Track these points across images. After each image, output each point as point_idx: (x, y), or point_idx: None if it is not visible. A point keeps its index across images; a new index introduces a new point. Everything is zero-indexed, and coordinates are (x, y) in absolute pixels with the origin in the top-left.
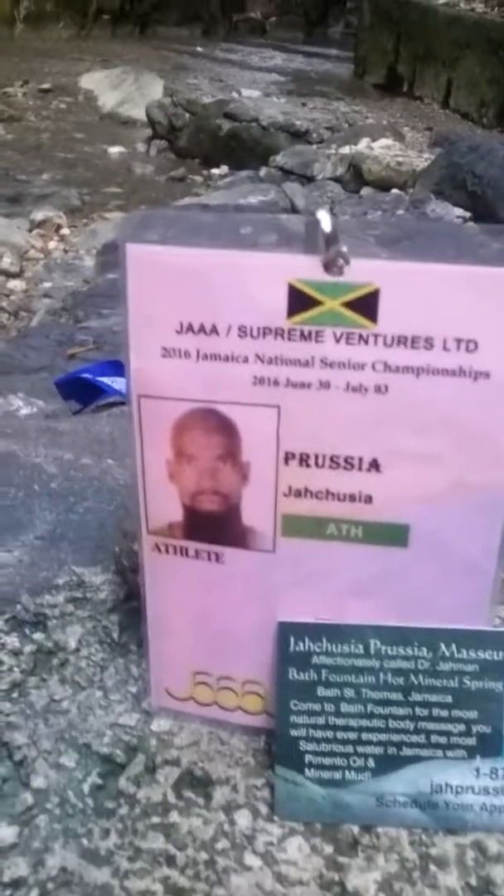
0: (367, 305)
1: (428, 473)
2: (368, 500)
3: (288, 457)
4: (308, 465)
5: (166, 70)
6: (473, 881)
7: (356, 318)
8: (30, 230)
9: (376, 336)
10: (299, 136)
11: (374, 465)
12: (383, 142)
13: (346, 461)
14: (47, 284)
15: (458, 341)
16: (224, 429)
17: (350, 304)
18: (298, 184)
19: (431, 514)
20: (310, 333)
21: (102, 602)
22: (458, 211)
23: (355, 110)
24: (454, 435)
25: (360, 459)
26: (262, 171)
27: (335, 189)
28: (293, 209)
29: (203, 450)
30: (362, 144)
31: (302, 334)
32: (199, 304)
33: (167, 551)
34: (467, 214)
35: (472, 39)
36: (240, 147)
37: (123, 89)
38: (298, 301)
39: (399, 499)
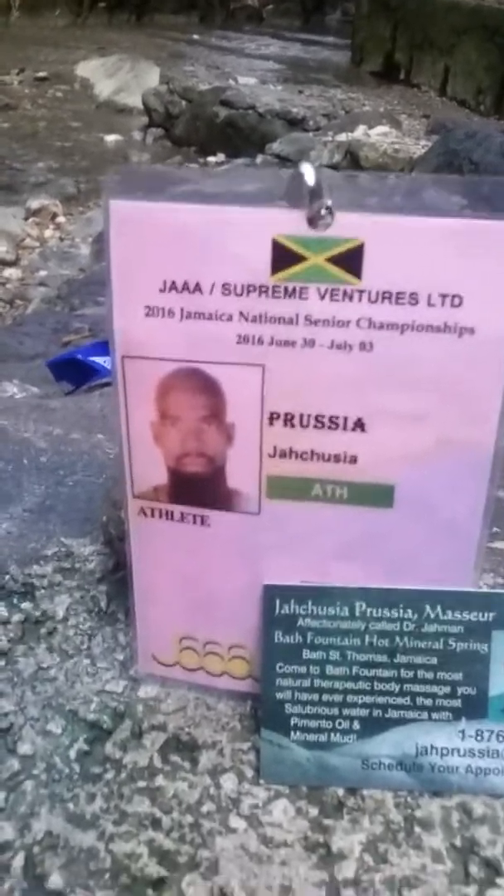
0: (351, 261)
1: (413, 432)
2: (353, 460)
3: (273, 417)
4: (293, 426)
5: (163, 58)
6: (458, 842)
7: (341, 273)
8: (25, 218)
9: (361, 292)
10: (296, 123)
11: (359, 425)
12: (380, 129)
13: (331, 421)
14: (43, 273)
15: (443, 297)
16: (208, 389)
17: (334, 260)
18: None
19: (416, 474)
20: (294, 290)
21: (91, 572)
22: (455, 198)
23: (352, 98)
24: (439, 393)
25: (345, 419)
26: (259, 159)
27: None
28: None
29: (188, 410)
30: (359, 132)
31: (286, 291)
32: (183, 261)
33: (153, 515)
34: (464, 202)
35: (469, 26)
36: (236, 135)
37: (120, 77)
38: (282, 257)
39: (384, 459)
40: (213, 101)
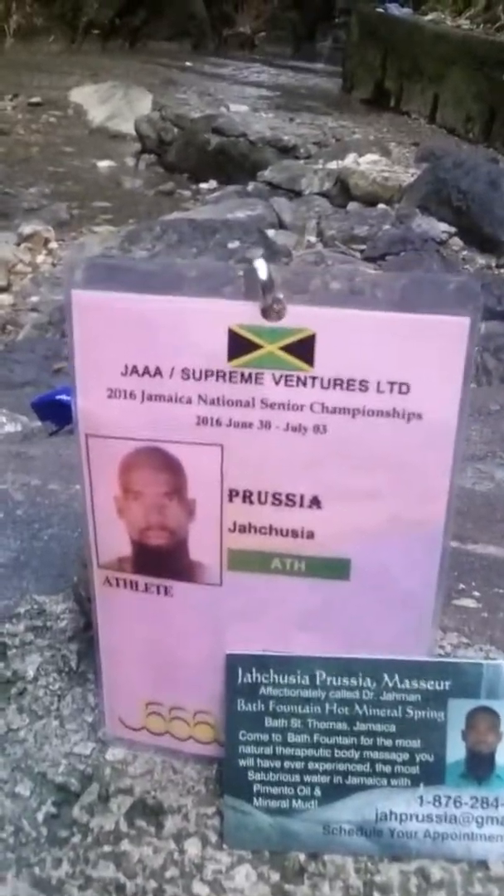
0: (303, 349)
1: (367, 510)
2: (311, 535)
3: (232, 494)
4: (252, 502)
5: (155, 84)
6: None
7: (294, 361)
8: (17, 244)
9: (314, 378)
10: (287, 151)
11: (315, 502)
12: (370, 157)
13: (287, 498)
14: (35, 298)
15: (391, 384)
16: (170, 467)
17: (288, 348)
18: (286, 199)
19: (371, 548)
20: (250, 375)
21: (62, 631)
22: (443, 226)
23: (342, 125)
24: (391, 473)
25: (302, 496)
26: (250, 186)
27: (322, 204)
28: (280, 224)
29: (150, 487)
30: (349, 159)
31: (242, 376)
32: (144, 347)
33: (118, 585)
34: (452, 229)
35: (458, 56)
36: (228, 162)
37: (113, 103)
38: (238, 345)
39: (340, 534)
40: (204, 128)
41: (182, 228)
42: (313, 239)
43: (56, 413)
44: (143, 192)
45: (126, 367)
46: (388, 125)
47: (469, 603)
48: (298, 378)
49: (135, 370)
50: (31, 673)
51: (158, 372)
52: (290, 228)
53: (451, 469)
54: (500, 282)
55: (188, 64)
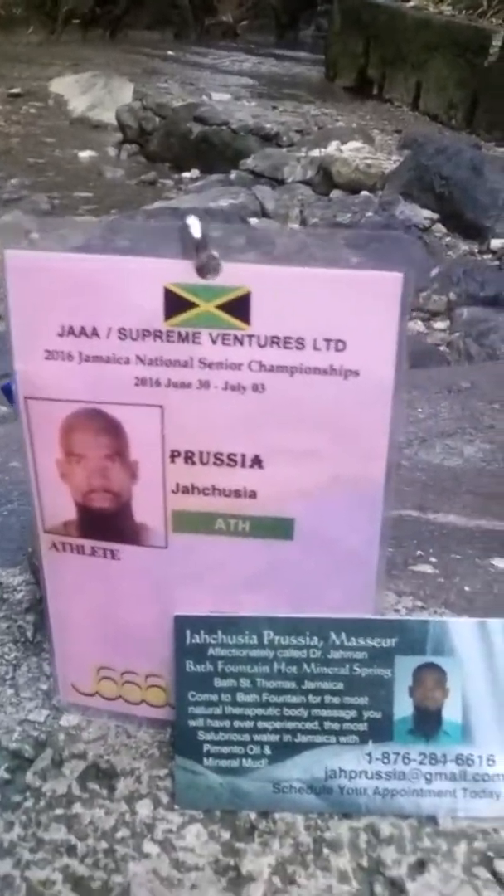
0: (239, 307)
1: (308, 469)
2: (253, 495)
3: (174, 455)
4: (194, 463)
5: (137, 74)
6: (365, 863)
7: (230, 319)
8: None
9: (250, 337)
10: (269, 139)
11: (257, 462)
12: (353, 144)
13: (229, 458)
14: None
15: (328, 341)
16: (110, 429)
17: (224, 307)
18: (268, 187)
19: (313, 508)
20: (187, 335)
21: (18, 602)
22: (426, 213)
23: (325, 113)
24: (329, 431)
25: (243, 456)
26: (233, 175)
27: (305, 192)
28: (263, 212)
29: (91, 449)
30: (332, 147)
31: (179, 335)
32: (80, 307)
33: (64, 549)
34: (435, 216)
35: (441, 42)
36: (210, 150)
37: (94, 93)
38: (174, 304)
39: (282, 494)
40: (186, 117)
41: (164, 218)
42: (296, 227)
43: None
44: (125, 182)
45: (63, 327)
46: (371, 113)
47: (426, 569)
48: (235, 337)
49: (71, 331)
50: None
51: (95, 332)
52: (273, 217)
53: (390, 427)
54: (482, 268)
55: (170, 53)
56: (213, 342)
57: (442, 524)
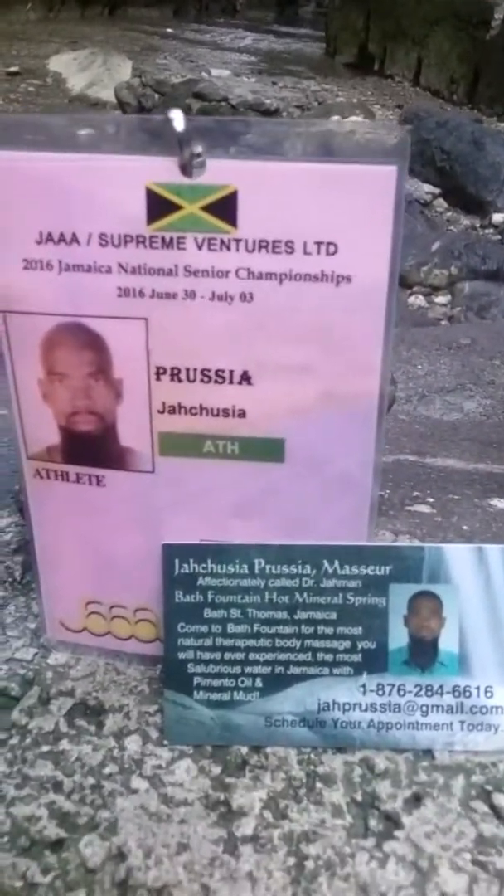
0: (226, 208)
1: (298, 385)
2: (242, 414)
3: (159, 372)
4: (180, 380)
5: (136, 51)
6: (359, 797)
7: (216, 222)
8: None
9: (237, 241)
10: (269, 115)
11: (246, 378)
12: (353, 119)
13: (217, 374)
14: None
15: (319, 244)
16: (93, 344)
17: (209, 208)
18: None
19: (305, 427)
20: (171, 240)
21: (7, 543)
22: (428, 187)
23: (325, 89)
24: (321, 344)
25: (231, 372)
26: (232, 150)
27: None
28: None
29: (74, 367)
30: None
31: (163, 241)
32: (58, 211)
33: (48, 476)
34: (437, 190)
35: (442, 16)
36: None
37: (92, 71)
38: (157, 205)
39: (272, 412)
40: (185, 93)
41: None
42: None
43: None
44: None
45: (41, 234)
46: (372, 88)
47: (423, 508)
48: (222, 241)
49: (50, 238)
50: None
51: (75, 239)
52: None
53: (385, 336)
54: (484, 242)
55: (169, 30)
56: (199, 248)
57: (440, 467)
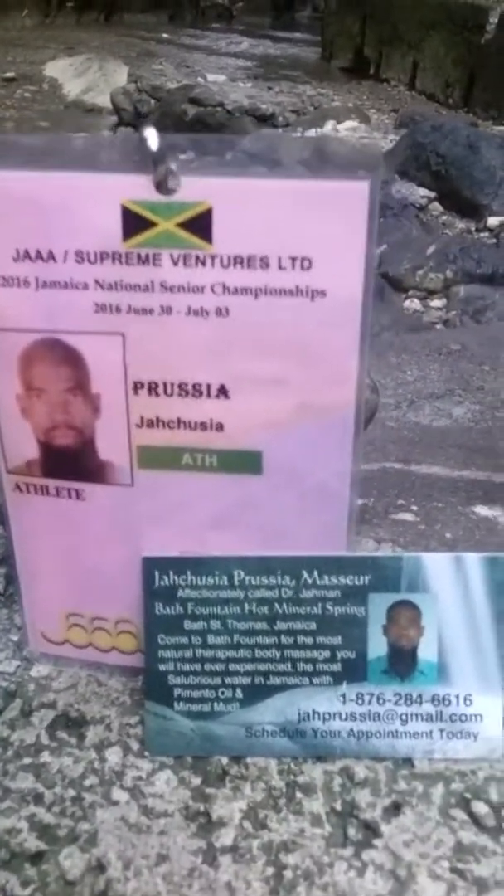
0: (201, 225)
1: (275, 398)
2: (220, 427)
3: (137, 386)
4: (157, 395)
5: (132, 57)
6: (339, 806)
7: (192, 238)
8: None
9: (213, 257)
10: (265, 119)
11: (223, 392)
12: (349, 124)
13: (194, 388)
14: None
15: (293, 259)
16: (70, 359)
17: (185, 225)
18: (264, 167)
19: (281, 439)
20: (147, 256)
21: None
22: (423, 191)
23: (321, 93)
24: (296, 357)
25: (209, 386)
26: (228, 156)
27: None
28: None
29: (52, 382)
30: (328, 127)
31: (139, 257)
32: (35, 229)
33: (28, 490)
34: (432, 194)
35: (437, 20)
36: (205, 132)
37: (88, 77)
38: (133, 223)
39: (249, 425)
40: (181, 99)
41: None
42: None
43: None
44: None
45: (17, 251)
46: (368, 93)
47: (407, 517)
48: (197, 257)
49: (27, 255)
50: None
51: (52, 256)
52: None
53: (359, 349)
54: (479, 245)
55: (165, 36)
56: (175, 264)
57: (425, 475)
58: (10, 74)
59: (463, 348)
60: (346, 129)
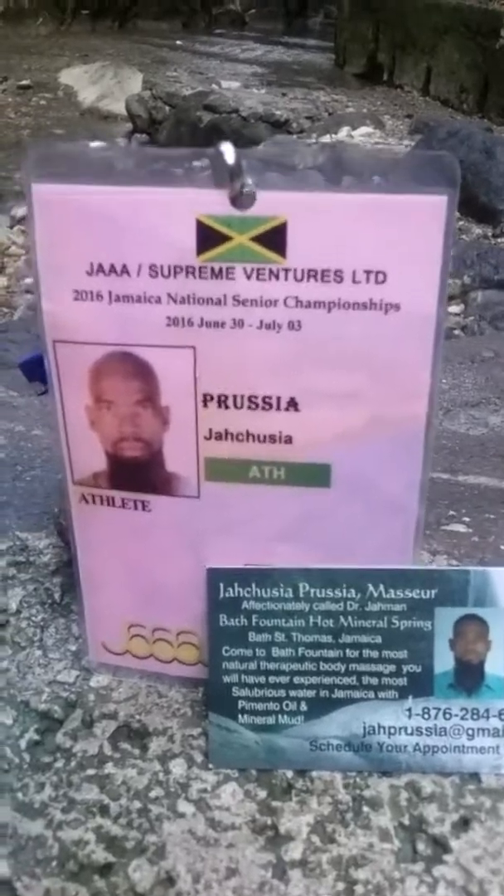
0: (275, 239)
1: (345, 411)
2: (289, 440)
3: (206, 399)
4: (227, 407)
5: (146, 64)
6: (406, 821)
7: (266, 252)
8: (10, 227)
9: (286, 271)
10: (279, 126)
11: (293, 405)
12: (363, 130)
13: (264, 401)
14: (28, 280)
15: (368, 273)
16: (141, 372)
17: (259, 239)
18: (279, 174)
19: (351, 452)
20: (220, 270)
21: (45, 565)
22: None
23: (335, 99)
24: (369, 370)
25: (279, 399)
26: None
27: (316, 178)
28: None
29: (122, 395)
30: (342, 133)
31: (213, 271)
32: (109, 243)
33: (94, 501)
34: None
35: (451, 26)
36: (220, 138)
37: (103, 84)
38: (207, 237)
39: (319, 438)
40: (196, 105)
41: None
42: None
43: (43, 372)
44: None
45: (92, 265)
46: (382, 98)
47: (459, 528)
48: (271, 271)
49: (101, 269)
50: (13, 606)
51: (125, 270)
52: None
53: (433, 362)
54: (496, 251)
55: (178, 42)
56: (248, 278)
57: (473, 485)
58: (25, 82)
59: (496, 356)
60: (361, 135)
